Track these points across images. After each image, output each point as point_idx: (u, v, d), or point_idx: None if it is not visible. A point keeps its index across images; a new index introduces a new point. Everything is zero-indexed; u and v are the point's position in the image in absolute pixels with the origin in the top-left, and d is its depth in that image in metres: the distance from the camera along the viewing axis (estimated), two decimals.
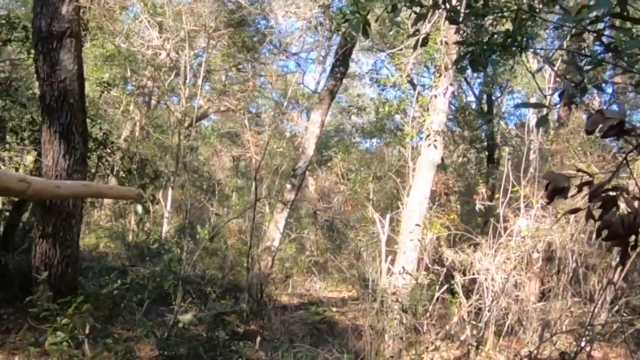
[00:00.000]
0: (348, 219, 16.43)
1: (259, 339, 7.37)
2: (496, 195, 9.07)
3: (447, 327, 7.57)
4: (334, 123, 25.91)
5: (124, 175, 9.65)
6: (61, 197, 5.95)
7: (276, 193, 18.05)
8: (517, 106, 23.77)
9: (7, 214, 9.18)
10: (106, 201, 21.21)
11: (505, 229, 7.86)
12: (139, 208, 22.20)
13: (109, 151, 9.12)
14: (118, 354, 5.19)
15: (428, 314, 7.53)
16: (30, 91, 10.04)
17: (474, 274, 7.73)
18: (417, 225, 7.25)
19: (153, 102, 24.61)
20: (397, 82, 9.63)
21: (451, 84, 8.28)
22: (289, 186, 10.58)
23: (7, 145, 9.11)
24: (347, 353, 5.99)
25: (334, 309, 12.45)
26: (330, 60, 16.68)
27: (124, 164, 9.35)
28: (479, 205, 11.14)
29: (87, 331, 4.96)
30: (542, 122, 3.60)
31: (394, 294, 6.72)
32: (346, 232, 16.18)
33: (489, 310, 7.57)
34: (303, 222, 18.47)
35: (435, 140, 7.34)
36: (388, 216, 8.05)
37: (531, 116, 15.11)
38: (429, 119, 7.45)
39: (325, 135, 21.43)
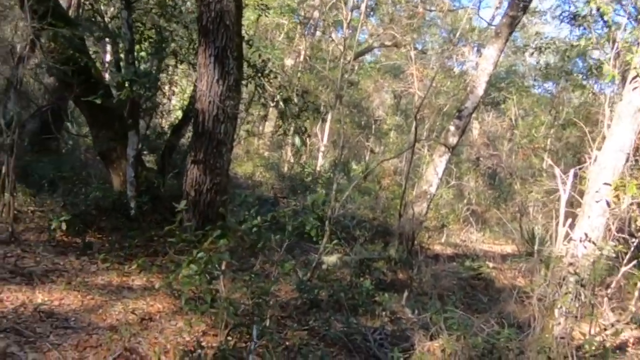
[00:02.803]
0: (515, 168, 14.96)
1: (406, 293, 6.69)
2: None
3: (632, 308, 6.33)
4: (505, 64, 23.77)
5: (282, 105, 9.23)
6: None
7: (437, 135, 16.96)
8: None
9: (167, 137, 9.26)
10: (266, 130, 21.65)
11: None
12: (297, 140, 22.37)
13: (267, 80, 8.70)
14: (254, 293, 4.79)
15: (608, 291, 6.35)
16: (195, 14, 9.88)
17: None
18: (605, 184, 5.98)
19: (318, 34, 24.27)
20: (595, 13, 8.07)
21: None
22: (452, 128, 9.55)
23: (169, 69, 9.06)
24: (508, 326, 5.11)
25: (491, 265, 11.43)
26: None
27: (281, 94, 8.91)
28: None
29: (222, 267, 4.58)
30: None
31: (571, 264, 5.62)
32: (512, 183, 14.76)
33: None
34: (463, 167, 17.28)
35: None
36: (572, 171, 6.81)
37: None
38: (638, 57, 6.00)
39: (495, 76, 19.68)
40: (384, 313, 6.09)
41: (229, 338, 4.48)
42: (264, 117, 19.77)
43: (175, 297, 5.28)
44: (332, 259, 7.40)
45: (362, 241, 8.16)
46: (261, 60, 8.32)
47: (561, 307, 5.49)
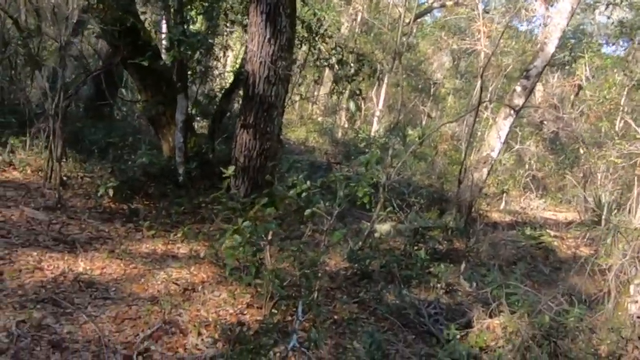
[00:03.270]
0: (582, 132, 14.11)
1: (463, 264, 6.31)
2: None
3: None
4: (572, 23, 22.40)
5: (338, 67, 8.78)
6: None
7: (497, 97, 16.15)
8: None
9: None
10: (320, 94, 21.28)
11: None
12: (351, 104, 21.84)
13: (321, 40, 8.27)
14: (303, 263, 4.52)
15: None
16: None
17: None
18: None
19: None
20: None
21: None
22: (518, 89, 8.93)
23: (216, 29, 8.75)
24: (578, 302, 4.67)
25: (552, 233, 10.86)
26: None
27: (335, 55, 8.46)
28: None
29: (269, 237, 4.33)
30: None
31: None
32: (579, 148, 13.94)
33: None
34: (524, 131, 16.48)
35: None
36: None
37: None
38: None
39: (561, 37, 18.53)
40: (439, 285, 5.76)
41: (274, 311, 4.24)
42: (317, 81, 19.41)
43: (220, 267, 5.10)
44: (385, 228, 7.08)
45: (417, 209, 7.78)
46: (316, 19, 7.88)
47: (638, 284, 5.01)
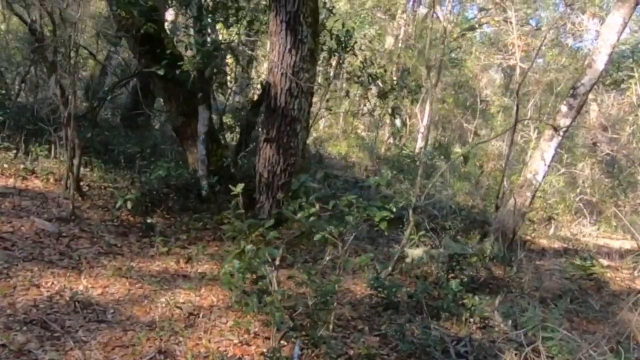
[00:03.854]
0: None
1: (499, 297, 5.75)
2: None
3: None
4: (631, 41, 21.34)
5: (368, 82, 8.37)
6: None
7: (547, 116, 15.39)
8: None
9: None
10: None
11: None
12: (397, 120, 21.43)
13: (351, 52, 7.86)
14: (317, 291, 4.12)
15: None
16: None
17: None
18: None
19: (423, 10, 23.02)
20: None
21: None
22: (564, 108, 8.31)
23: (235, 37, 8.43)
24: (625, 351, 4.09)
25: (605, 263, 10.09)
26: None
27: (365, 69, 8.04)
28: None
29: (277, 261, 3.94)
30: None
31: None
32: (635, 172, 13.08)
33: None
34: (577, 152, 15.66)
35: None
36: None
37: None
38: None
39: (617, 54, 17.59)
40: (472, 320, 5.23)
41: (283, 342, 3.85)
42: (364, 96, 19.08)
43: (231, 289, 4.74)
44: (417, 253, 6.58)
45: (453, 233, 7.27)
46: (345, 30, 7.50)
47: None
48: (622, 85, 15.82)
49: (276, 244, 4.14)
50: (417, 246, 6.70)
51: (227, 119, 9.21)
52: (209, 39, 6.36)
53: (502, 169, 14.07)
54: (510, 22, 16.35)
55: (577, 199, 13.99)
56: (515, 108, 8.06)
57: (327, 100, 8.50)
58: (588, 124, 16.59)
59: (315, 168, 12.57)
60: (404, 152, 17.83)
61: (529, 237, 11.37)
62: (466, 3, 22.22)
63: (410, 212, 6.37)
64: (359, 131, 20.59)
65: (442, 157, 15.81)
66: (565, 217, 13.27)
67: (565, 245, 11.10)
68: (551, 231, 11.92)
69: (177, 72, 6.34)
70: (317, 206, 4.01)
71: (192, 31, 6.81)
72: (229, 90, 8.80)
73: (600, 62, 8.22)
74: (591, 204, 14.61)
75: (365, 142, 17.75)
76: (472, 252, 6.63)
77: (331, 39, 7.64)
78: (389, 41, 21.69)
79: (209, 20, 6.32)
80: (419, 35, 21.66)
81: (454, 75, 24.35)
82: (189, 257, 5.45)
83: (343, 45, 7.63)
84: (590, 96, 16.76)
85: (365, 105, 8.44)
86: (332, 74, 9.16)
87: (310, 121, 8.35)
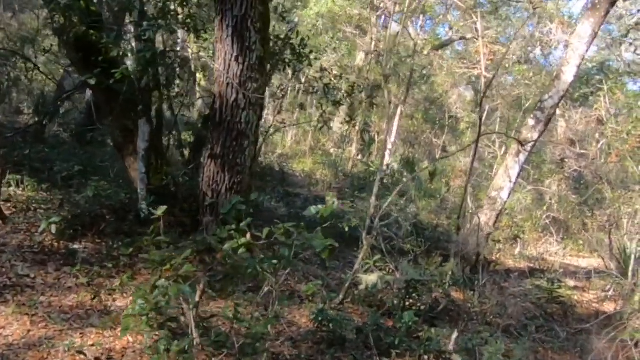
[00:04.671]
0: (607, 172, 12.98)
1: (456, 332, 5.22)
2: None
3: None
4: (597, 59, 21.35)
5: (325, 92, 7.87)
6: None
7: (514, 132, 15.10)
8: None
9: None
10: (336, 126, 20.52)
11: None
12: (366, 137, 20.96)
13: (306, 62, 7.38)
14: (247, 333, 3.60)
15: None
16: None
17: None
18: None
19: (395, 27, 22.78)
20: None
21: None
22: (531, 121, 7.94)
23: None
24: None
25: (572, 283, 9.75)
26: None
27: (321, 80, 7.56)
28: None
29: (196, 297, 3.40)
30: None
31: None
32: (602, 189, 12.81)
33: None
34: (544, 169, 15.41)
35: None
36: None
37: None
38: None
39: (585, 72, 17.47)
40: (426, 357, 4.73)
41: None
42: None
43: (151, 328, 4.17)
44: (371, 279, 6.06)
45: (413, 256, 6.80)
46: (299, 39, 7.02)
47: None
48: (590, 98, 15.64)
49: (197, 277, 3.59)
50: (372, 271, 6.20)
51: (185, 135, 8.67)
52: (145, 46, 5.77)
53: (472, 186, 13.74)
54: (478, 35, 16.14)
55: (545, 217, 13.69)
56: (479, 121, 7.65)
57: (279, 113, 7.98)
58: (556, 139, 16.37)
59: (273, 186, 12.09)
60: (371, 168, 17.42)
61: (495, 257, 10.98)
62: (437, 21, 22.01)
63: (364, 234, 5.88)
64: (328, 148, 20.15)
65: (408, 173, 15.41)
66: (532, 235, 12.93)
67: (532, 265, 10.73)
68: (517, 250, 11.56)
69: (111, 81, 5.73)
70: (249, 235, 3.49)
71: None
72: (181, 103, 8.25)
73: (569, 74, 7.90)
74: (558, 222, 14.33)
75: (331, 159, 17.28)
76: (431, 279, 6.15)
77: (284, 47, 7.14)
78: (360, 57, 21.39)
79: (148, 25, 5.71)
80: (390, 51, 21.39)
81: (424, 91, 24.15)
82: (111, 289, 4.85)
83: (298, 55, 7.14)
84: (558, 111, 16.62)
85: (320, 116, 7.91)
86: (286, 85, 8.67)
87: (262, 137, 7.86)
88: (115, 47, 5.39)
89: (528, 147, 7.92)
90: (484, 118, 20.91)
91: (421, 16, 20.75)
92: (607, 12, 7.67)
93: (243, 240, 3.48)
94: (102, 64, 5.82)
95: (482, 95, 6.24)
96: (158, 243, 3.74)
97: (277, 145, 18.70)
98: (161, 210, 3.78)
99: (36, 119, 10.11)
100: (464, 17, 19.46)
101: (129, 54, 5.70)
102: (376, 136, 20.75)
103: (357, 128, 19.77)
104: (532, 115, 8.04)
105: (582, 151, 13.25)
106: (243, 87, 5.79)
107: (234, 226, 3.60)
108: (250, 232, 3.57)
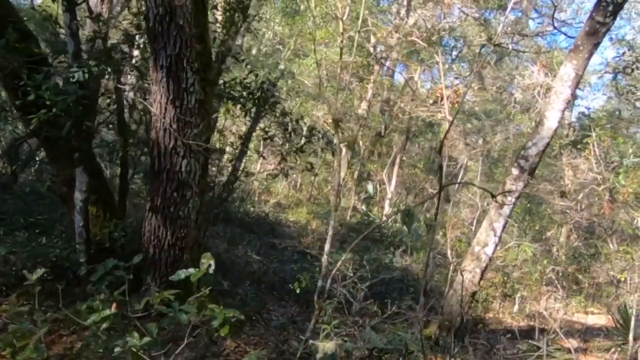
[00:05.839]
0: (610, 223, 12.21)
1: None
2: None
3: None
4: (607, 109, 20.66)
5: (287, 138, 7.31)
6: None
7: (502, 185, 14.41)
8: None
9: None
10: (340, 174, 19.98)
11: None
12: (369, 186, 20.38)
13: (270, 108, 6.84)
14: None
15: None
16: None
17: None
18: None
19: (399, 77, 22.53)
20: None
21: None
22: (515, 171, 7.31)
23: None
24: None
25: (574, 344, 8.86)
26: None
27: (283, 125, 6.99)
28: None
29: None
30: None
31: None
32: (605, 240, 12.02)
33: None
34: (543, 221, 14.66)
35: None
36: None
37: None
38: None
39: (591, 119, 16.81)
40: None
41: None
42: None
43: None
44: (329, 347, 5.37)
45: (379, 320, 6.08)
46: (260, 82, 6.53)
47: None
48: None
49: None
50: (330, 338, 5.49)
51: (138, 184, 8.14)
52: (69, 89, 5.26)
53: (464, 238, 13.01)
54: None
55: (548, 270, 12.83)
56: (439, 169, 7.04)
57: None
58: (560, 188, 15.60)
59: (259, 237, 11.50)
60: (370, 219, 16.78)
61: (491, 316, 10.20)
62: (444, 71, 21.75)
63: (315, 297, 5.21)
64: (329, 197, 19.62)
65: (404, 224, 14.76)
66: (536, 290, 12.07)
67: (531, 324, 9.88)
68: (515, 308, 10.73)
69: (33, 126, 5.21)
70: (114, 306, 2.88)
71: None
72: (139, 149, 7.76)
73: (552, 119, 7.30)
74: (564, 275, 13.47)
75: (326, 209, 16.68)
76: (395, 348, 5.41)
77: (242, 90, 6.63)
78: (362, 105, 21.02)
79: (78, 67, 5.21)
80: (394, 102, 21.04)
81: (427, 139, 23.66)
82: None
83: (256, 99, 6.63)
84: (564, 159, 15.89)
85: (280, 164, 7.35)
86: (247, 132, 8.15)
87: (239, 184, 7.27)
88: (36, 90, 4.88)
89: (513, 198, 7.27)
90: (493, 170, 20.35)
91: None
92: (591, 54, 7.11)
93: (107, 312, 2.87)
94: (30, 107, 5.35)
95: (441, 141, 5.60)
96: (32, 310, 3.13)
97: (274, 194, 18.20)
98: (35, 274, 3.19)
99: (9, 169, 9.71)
100: (470, 68, 19.21)
101: (46, 96, 5.12)
102: (378, 185, 20.20)
103: (354, 177, 19.26)
104: (515, 164, 7.40)
105: (569, 203, 12.55)
106: (181, 132, 5.27)
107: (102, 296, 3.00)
108: (121, 300, 2.96)
